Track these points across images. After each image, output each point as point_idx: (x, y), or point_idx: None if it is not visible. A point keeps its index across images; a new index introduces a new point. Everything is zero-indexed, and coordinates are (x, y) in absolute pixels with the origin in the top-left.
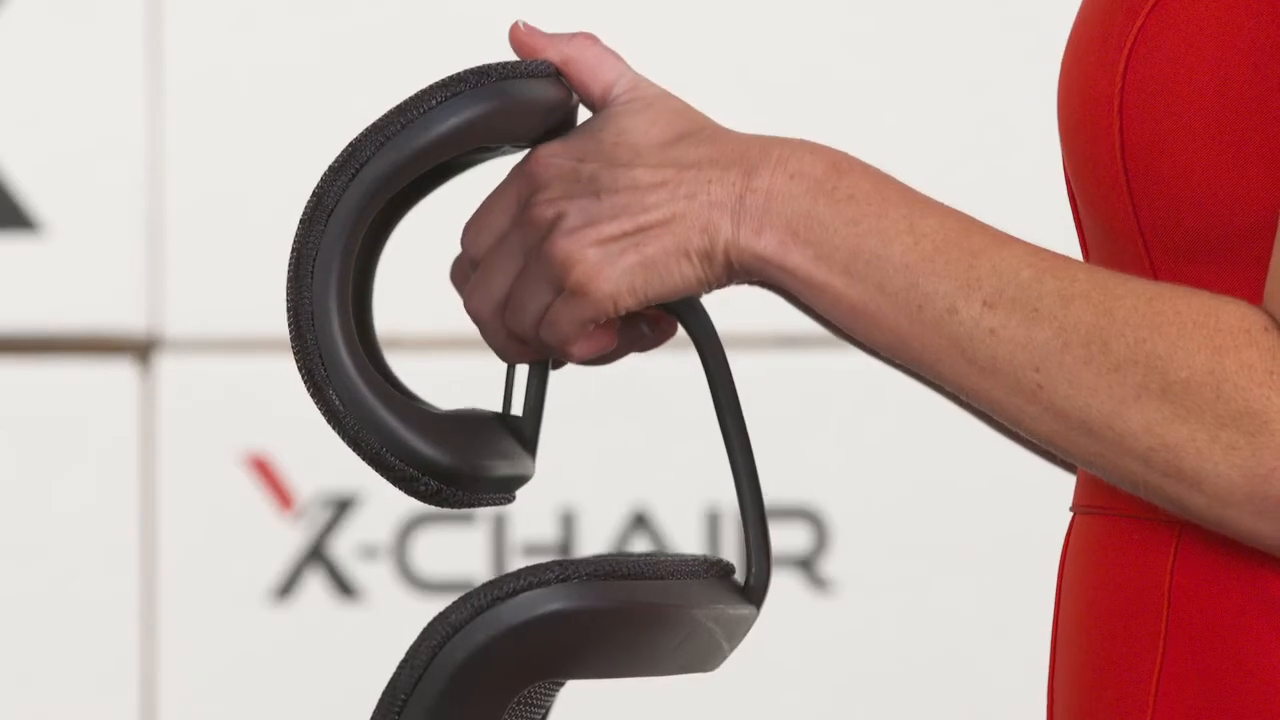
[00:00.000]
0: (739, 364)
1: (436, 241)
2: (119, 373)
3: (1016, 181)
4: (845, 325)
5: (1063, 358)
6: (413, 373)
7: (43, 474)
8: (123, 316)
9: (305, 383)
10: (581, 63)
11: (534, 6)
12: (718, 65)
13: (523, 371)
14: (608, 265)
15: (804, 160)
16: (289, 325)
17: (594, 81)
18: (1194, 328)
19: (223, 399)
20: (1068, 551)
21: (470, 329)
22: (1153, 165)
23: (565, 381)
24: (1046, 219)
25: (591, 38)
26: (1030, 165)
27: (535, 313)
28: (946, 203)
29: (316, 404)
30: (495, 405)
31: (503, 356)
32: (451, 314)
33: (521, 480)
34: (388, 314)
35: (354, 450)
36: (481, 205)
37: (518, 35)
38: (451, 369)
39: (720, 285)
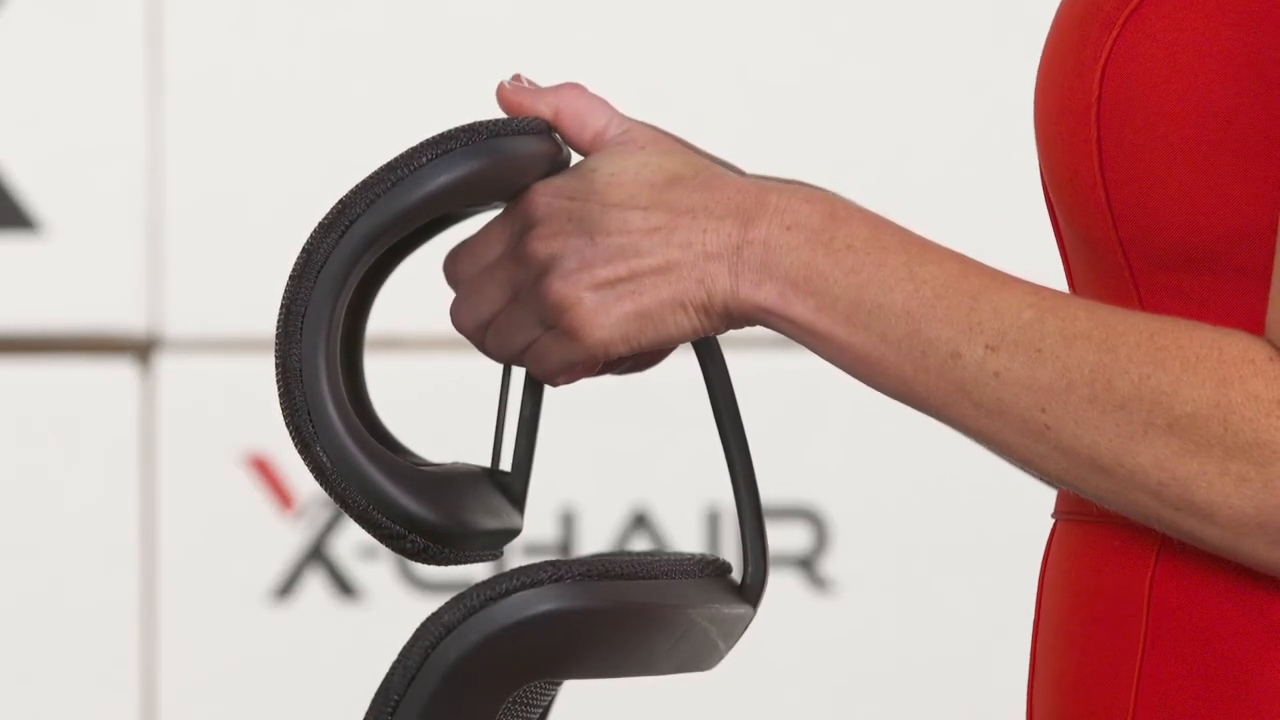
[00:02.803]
0: (739, 364)
1: (437, 242)
2: (119, 373)
3: (1016, 181)
4: (850, 371)
5: (1068, 397)
6: (412, 373)
7: (43, 474)
8: (123, 316)
9: (293, 440)
10: (570, 112)
11: (534, 8)
12: (718, 65)
13: (513, 419)
14: (603, 312)
15: (800, 210)
16: (277, 382)
17: (584, 129)
18: (1197, 361)
19: (223, 399)
20: (1049, 557)
21: None
22: (1131, 176)
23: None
24: (1046, 221)
25: (578, 87)
26: (1030, 165)
27: (521, 345)
28: (948, 204)
29: (304, 461)
30: (490, 412)
31: (490, 357)
32: None
33: (510, 536)
34: (388, 314)
35: (342, 507)
36: (473, 236)
37: (504, 94)
38: (451, 369)
39: (716, 333)
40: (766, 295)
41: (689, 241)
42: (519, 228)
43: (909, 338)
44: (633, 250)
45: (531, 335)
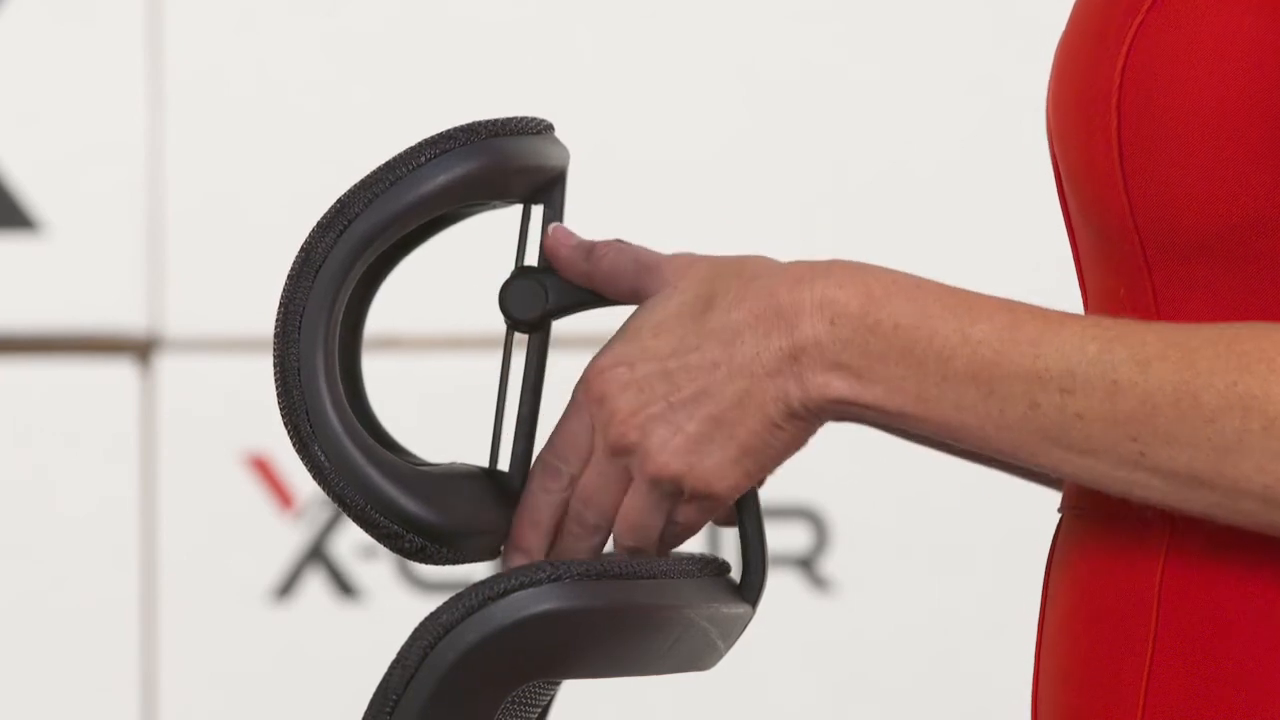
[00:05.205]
0: None
1: (436, 242)
2: (119, 373)
3: (1017, 181)
4: (937, 440)
5: (1155, 422)
6: (413, 373)
7: (43, 474)
8: (123, 316)
9: (291, 439)
10: (604, 276)
11: (534, 8)
12: (718, 65)
13: (510, 421)
14: (714, 464)
15: (838, 299)
16: (275, 381)
17: (620, 290)
18: None
19: (223, 399)
20: (1055, 551)
21: (470, 329)
22: (1150, 164)
23: (567, 381)
24: (1046, 219)
25: (617, 246)
26: (1031, 164)
27: (660, 525)
28: (948, 202)
29: (302, 460)
30: (488, 412)
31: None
32: (451, 314)
33: (507, 536)
34: (388, 314)
35: (339, 507)
36: (556, 434)
37: (547, 244)
38: (451, 369)
39: (816, 429)
40: (839, 390)
41: (748, 368)
42: (597, 416)
43: (982, 401)
44: (706, 395)
45: (665, 512)
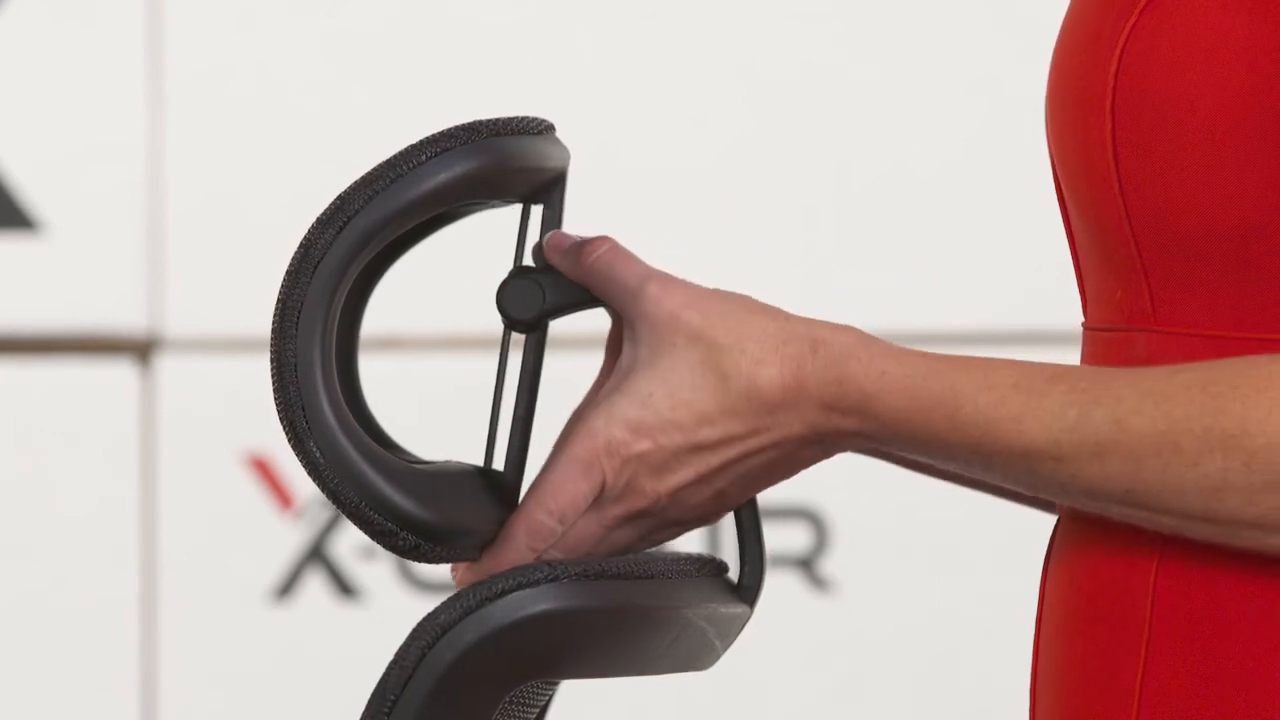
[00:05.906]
0: None
1: (436, 241)
2: (119, 373)
3: (1017, 181)
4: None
5: (1142, 475)
6: (413, 373)
7: (43, 474)
8: (123, 316)
9: (286, 434)
10: (600, 283)
11: (534, 8)
12: (718, 65)
13: (506, 422)
14: (734, 501)
15: (838, 397)
16: (272, 376)
17: (609, 297)
18: (1258, 395)
19: (223, 399)
20: (1052, 552)
21: (470, 329)
22: (1145, 165)
23: (563, 381)
24: (1046, 219)
25: (609, 250)
26: (1031, 164)
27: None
28: (949, 202)
29: (297, 456)
30: (486, 411)
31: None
32: (451, 314)
33: None
34: (388, 314)
35: (333, 503)
36: (557, 494)
37: (545, 247)
38: (451, 369)
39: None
40: (867, 445)
41: (775, 445)
42: (614, 483)
43: (986, 472)
44: (737, 463)
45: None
